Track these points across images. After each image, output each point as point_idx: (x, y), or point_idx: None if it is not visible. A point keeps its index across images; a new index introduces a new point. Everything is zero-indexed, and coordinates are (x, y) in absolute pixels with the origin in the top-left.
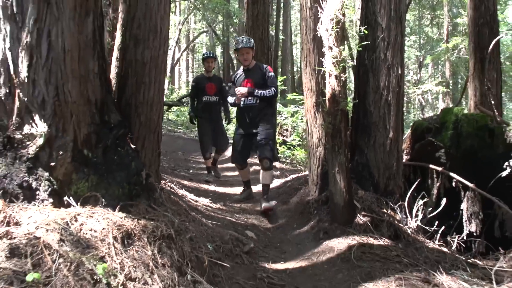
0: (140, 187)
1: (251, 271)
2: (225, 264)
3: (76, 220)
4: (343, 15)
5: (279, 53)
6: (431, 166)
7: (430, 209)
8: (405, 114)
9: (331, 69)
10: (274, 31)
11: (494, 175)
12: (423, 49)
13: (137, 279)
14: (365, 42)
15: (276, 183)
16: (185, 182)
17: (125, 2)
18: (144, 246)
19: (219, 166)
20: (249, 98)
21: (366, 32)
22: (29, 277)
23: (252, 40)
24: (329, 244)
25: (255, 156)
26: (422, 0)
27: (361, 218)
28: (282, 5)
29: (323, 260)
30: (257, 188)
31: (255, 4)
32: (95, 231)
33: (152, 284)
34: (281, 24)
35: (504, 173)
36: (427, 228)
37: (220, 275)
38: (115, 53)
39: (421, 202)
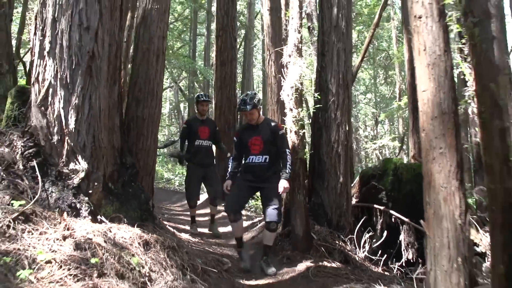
0: (148, 213)
1: (231, 283)
2: (213, 270)
3: (110, 231)
4: (301, 83)
5: None
6: (375, 206)
7: (374, 241)
8: (363, 167)
9: (292, 126)
10: (240, 89)
11: None
12: (379, 107)
13: (156, 272)
14: (318, 105)
15: (245, 224)
16: (165, 222)
17: (131, 71)
18: (158, 252)
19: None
20: (258, 156)
21: (319, 97)
22: (92, 260)
23: (256, 98)
24: (291, 266)
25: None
26: (376, 60)
27: (317, 247)
28: (246, 65)
29: (286, 278)
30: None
31: (223, 66)
32: (125, 238)
33: (166, 276)
34: (245, 83)
35: None
36: (372, 257)
37: (209, 280)
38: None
39: (367, 235)
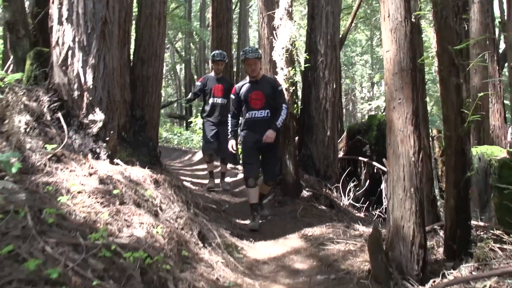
0: (156, 158)
1: (228, 220)
2: (213, 206)
3: (126, 171)
4: (291, 44)
5: (240, 70)
6: (360, 158)
7: (358, 189)
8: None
9: (283, 83)
10: (236, 50)
11: None
12: (375, 68)
13: (165, 203)
14: (308, 64)
15: (240, 175)
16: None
17: (135, 34)
18: (166, 188)
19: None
20: (260, 111)
21: (308, 57)
22: (115, 192)
23: (259, 51)
24: (281, 209)
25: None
26: (373, 21)
27: (305, 193)
28: (242, 27)
29: (276, 219)
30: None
31: (219, 27)
32: (138, 177)
33: (174, 208)
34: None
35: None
36: (356, 204)
37: (209, 215)
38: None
39: (352, 184)
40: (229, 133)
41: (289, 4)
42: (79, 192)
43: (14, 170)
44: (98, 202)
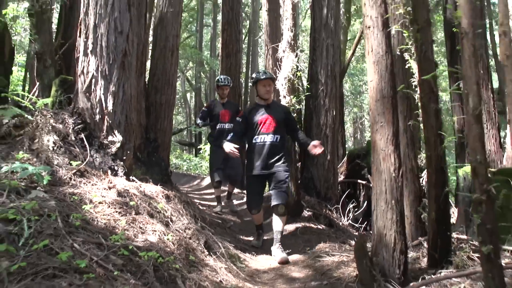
0: (167, 177)
1: (233, 235)
2: (219, 221)
3: (141, 187)
4: (293, 74)
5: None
6: (358, 181)
7: (357, 210)
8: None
9: None
10: (244, 79)
11: None
12: None
13: (175, 216)
14: (309, 93)
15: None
16: None
17: (150, 64)
18: (176, 203)
19: None
20: (270, 135)
21: (310, 86)
22: (131, 203)
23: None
24: None
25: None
26: None
27: (306, 213)
28: (251, 56)
29: None
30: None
31: (228, 57)
32: (152, 192)
33: (183, 220)
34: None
35: None
36: (355, 224)
37: (215, 230)
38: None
39: (351, 205)
40: (225, 140)
41: (291, 38)
42: (100, 203)
43: (45, 181)
44: (116, 212)
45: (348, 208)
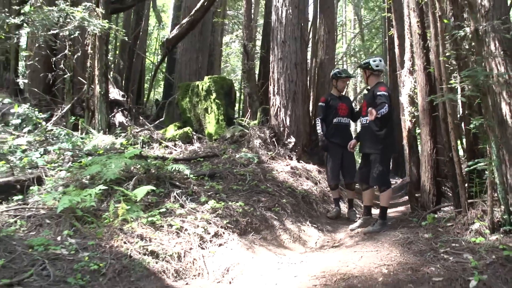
0: (322, 161)
1: None
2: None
3: (304, 165)
4: (412, 91)
5: None
6: None
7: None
8: None
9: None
10: None
11: None
12: None
13: (322, 180)
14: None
15: None
16: None
17: (314, 93)
18: (324, 174)
19: None
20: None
21: None
22: (297, 172)
23: None
24: None
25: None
26: None
27: None
28: None
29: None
30: None
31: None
32: (310, 168)
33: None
34: None
35: None
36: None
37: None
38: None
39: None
40: (324, 135)
41: (410, 65)
42: (281, 171)
43: (255, 161)
44: (289, 176)
45: None
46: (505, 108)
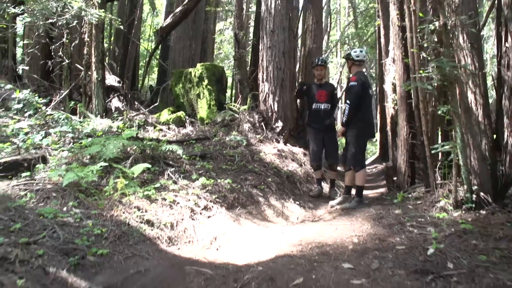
0: (306, 145)
1: None
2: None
3: (290, 148)
4: (393, 84)
5: None
6: None
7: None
8: None
9: (391, 104)
10: None
11: None
12: None
13: (307, 162)
14: None
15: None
16: None
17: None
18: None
19: None
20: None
21: None
22: (283, 154)
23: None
24: None
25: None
26: None
27: None
28: None
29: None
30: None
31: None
32: (296, 151)
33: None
34: None
35: None
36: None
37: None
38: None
39: None
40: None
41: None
42: (268, 153)
43: (244, 144)
44: (276, 157)
45: None
46: (470, 96)
